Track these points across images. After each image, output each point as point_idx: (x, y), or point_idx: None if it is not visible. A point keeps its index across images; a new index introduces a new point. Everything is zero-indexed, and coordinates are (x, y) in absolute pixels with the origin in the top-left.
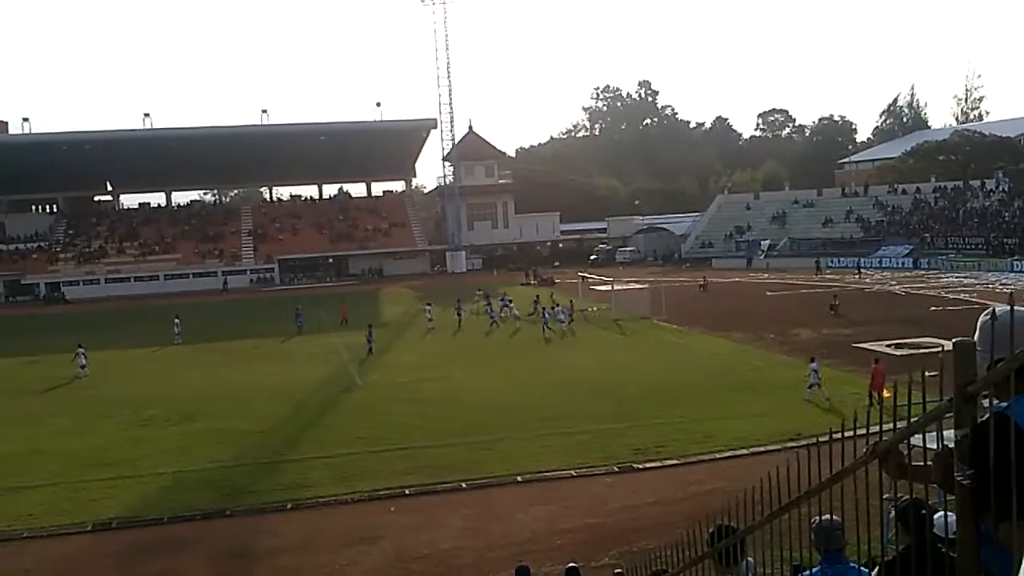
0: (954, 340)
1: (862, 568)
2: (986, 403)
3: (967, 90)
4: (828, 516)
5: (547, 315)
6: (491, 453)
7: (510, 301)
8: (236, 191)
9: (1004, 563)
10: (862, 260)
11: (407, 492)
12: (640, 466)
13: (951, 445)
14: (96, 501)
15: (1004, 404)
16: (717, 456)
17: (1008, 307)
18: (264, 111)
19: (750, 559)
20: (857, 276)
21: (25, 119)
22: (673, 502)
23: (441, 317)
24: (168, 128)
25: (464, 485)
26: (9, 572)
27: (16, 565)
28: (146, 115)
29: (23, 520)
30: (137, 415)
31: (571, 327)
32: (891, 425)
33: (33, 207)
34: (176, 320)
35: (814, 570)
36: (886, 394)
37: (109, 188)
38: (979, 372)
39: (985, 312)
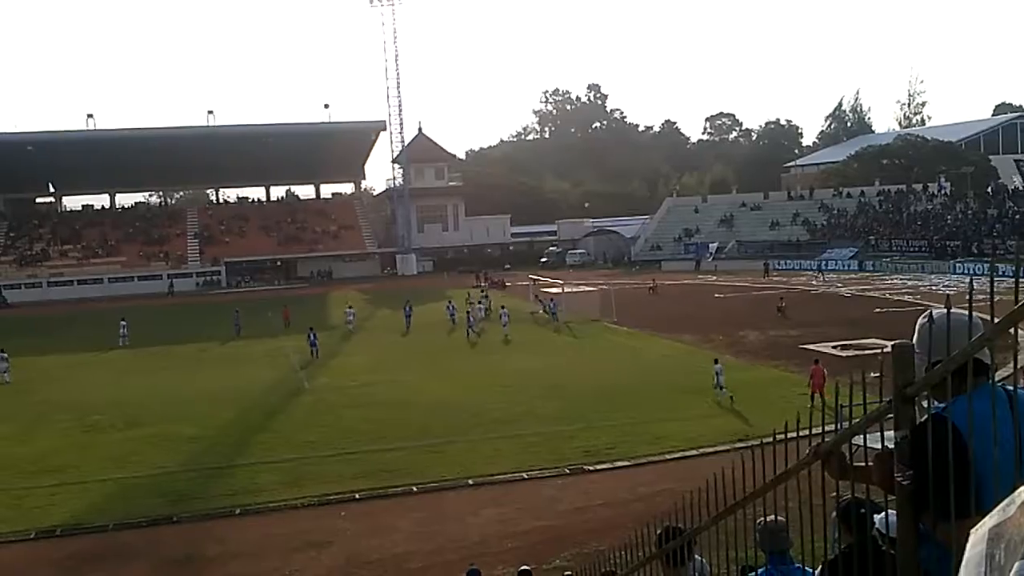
0: (893, 343)
1: (807, 568)
2: (925, 404)
3: (910, 95)
4: (773, 517)
5: (471, 318)
6: (442, 456)
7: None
8: (182, 193)
9: (943, 562)
10: (822, 263)
11: (357, 496)
12: (591, 468)
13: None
14: (39, 508)
15: (942, 405)
16: (667, 457)
17: (945, 309)
18: (210, 112)
19: (698, 558)
20: (820, 277)
21: None
22: (623, 503)
23: (390, 319)
24: (112, 129)
25: (415, 489)
26: None
27: None
28: (89, 116)
29: None
30: (81, 420)
31: (507, 329)
32: (834, 426)
33: None
34: (122, 322)
35: (760, 571)
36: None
37: (51, 189)
38: (918, 374)
39: (923, 315)
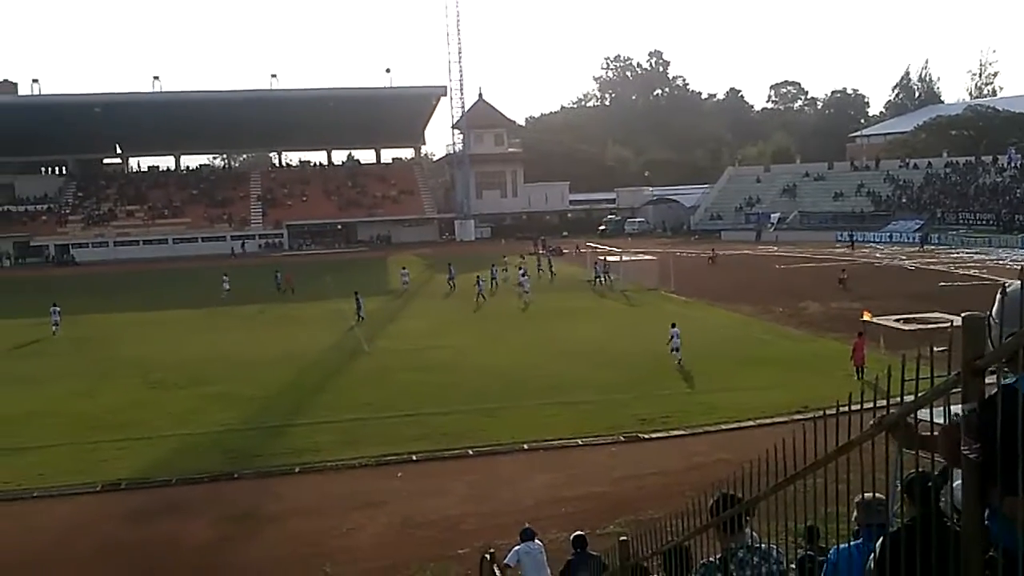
0: (963, 314)
1: None
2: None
3: (981, 65)
4: (871, 492)
5: (480, 283)
6: (497, 421)
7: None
8: (245, 156)
9: (1008, 536)
10: (855, 234)
11: (414, 458)
12: (645, 436)
13: (959, 419)
14: (105, 462)
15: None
16: (722, 427)
17: (1020, 282)
18: (274, 76)
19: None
20: (851, 249)
21: (35, 80)
22: (677, 472)
23: (447, 285)
24: (178, 91)
25: (470, 452)
26: (19, 530)
27: (25, 523)
28: (155, 78)
29: (33, 479)
30: (145, 378)
31: (529, 297)
32: (899, 398)
33: (42, 169)
34: (224, 277)
35: (853, 544)
36: (866, 316)
37: (118, 151)
38: (995, 346)
39: (1002, 286)
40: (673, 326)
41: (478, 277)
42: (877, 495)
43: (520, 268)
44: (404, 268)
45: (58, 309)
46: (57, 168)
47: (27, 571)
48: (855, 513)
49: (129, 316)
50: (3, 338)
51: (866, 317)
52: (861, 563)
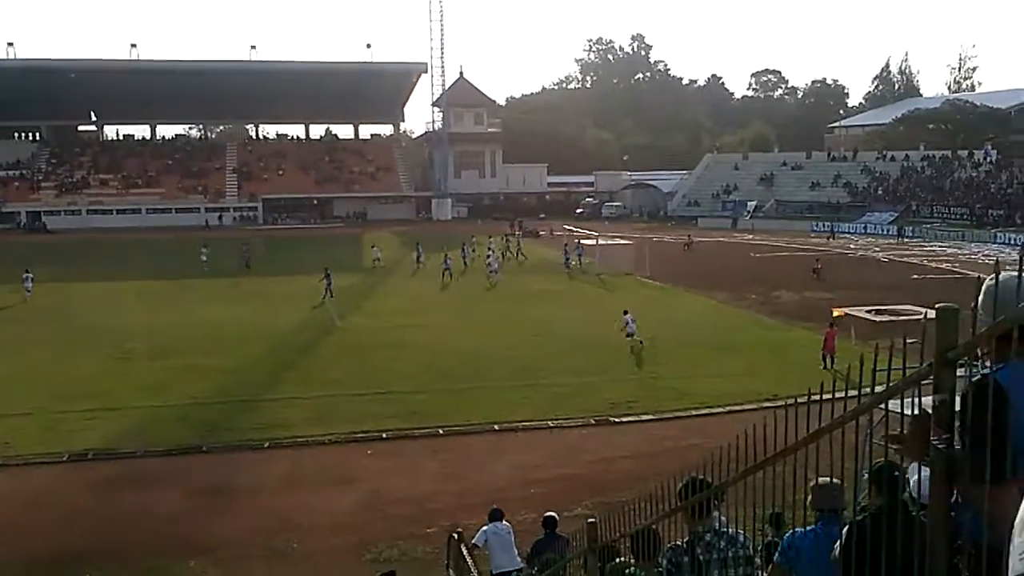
0: (937, 305)
1: None
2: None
3: (961, 59)
4: (828, 477)
5: (448, 262)
6: (469, 401)
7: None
8: (222, 127)
9: (974, 525)
10: (836, 225)
11: (384, 436)
12: (616, 420)
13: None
14: (73, 432)
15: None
16: (693, 413)
17: (1013, 273)
18: (253, 47)
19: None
20: (831, 240)
21: (10, 44)
22: (647, 456)
23: (427, 264)
24: (155, 60)
25: (441, 432)
26: None
27: None
28: (133, 45)
29: None
30: (116, 348)
31: (496, 278)
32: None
33: (16, 134)
34: (204, 249)
35: (808, 528)
36: (836, 312)
37: (93, 118)
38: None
39: (990, 276)
40: (625, 313)
41: (445, 256)
42: (833, 480)
43: (488, 249)
44: (375, 246)
45: (31, 276)
46: (31, 134)
47: None
48: (810, 497)
49: (101, 286)
50: None
51: (836, 313)
52: (816, 546)
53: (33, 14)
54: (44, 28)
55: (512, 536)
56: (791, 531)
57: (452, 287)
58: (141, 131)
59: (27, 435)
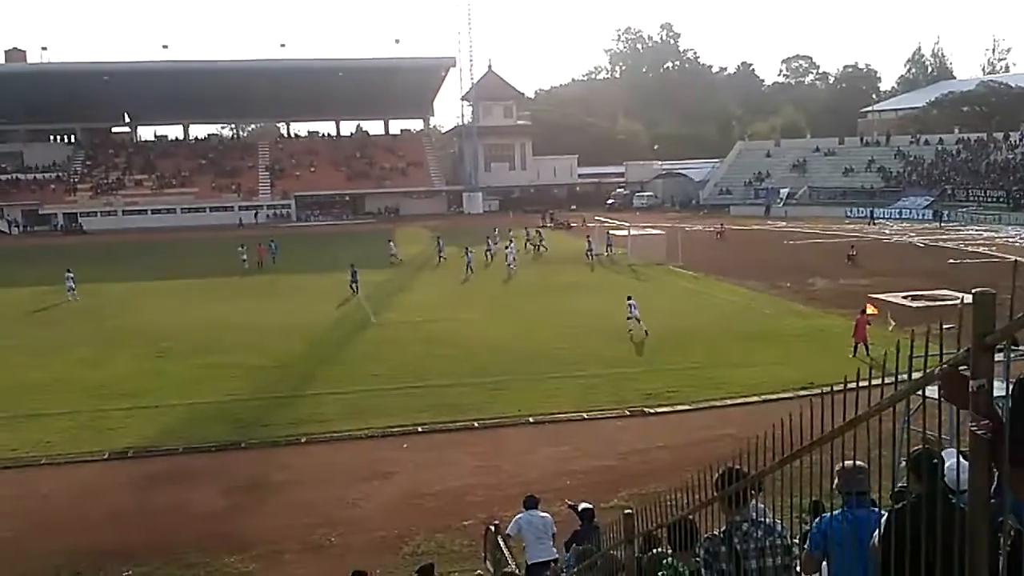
0: (974, 289)
1: (884, 513)
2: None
3: (995, 40)
4: (852, 461)
5: (469, 255)
6: (503, 394)
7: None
8: (253, 126)
9: (1014, 512)
10: (876, 210)
11: (419, 430)
12: (651, 411)
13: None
14: (113, 430)
15: None
16: (728, 403)
17: None
18: (283, 45)
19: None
20: (870, 225)
21: (44, 48)
22: (683, 447)
23: (455, 258)
24: (186, 60)
25: (476, 424)
26: (27, 497)
27: (34, 490)
28: (164, 47)
29: (42, 447)
30: (153, 346)
31: (513, 269)
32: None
33: (51, 137)
34: (241, 248)
35: (835, 513)
36: (870, 310)
37: (127, 120)
38: None
39: None
40: (629, 298)
41: (466, 249)
42: (858, 463)
43: (509, 242)
44: (391, 241)
45: (72, 275)
46: (66, 136)
47: (39, 537)
48: (836, 481)
49: (137, 285)
50: (15, 306)
51: (869, 310)
52: (844, 530)
53: (66, 18)
54: (77, 32)
55: (549, 525)
56: (818, 519)
57: (480, 280)
58: (174, 131)
59: (68, 434)
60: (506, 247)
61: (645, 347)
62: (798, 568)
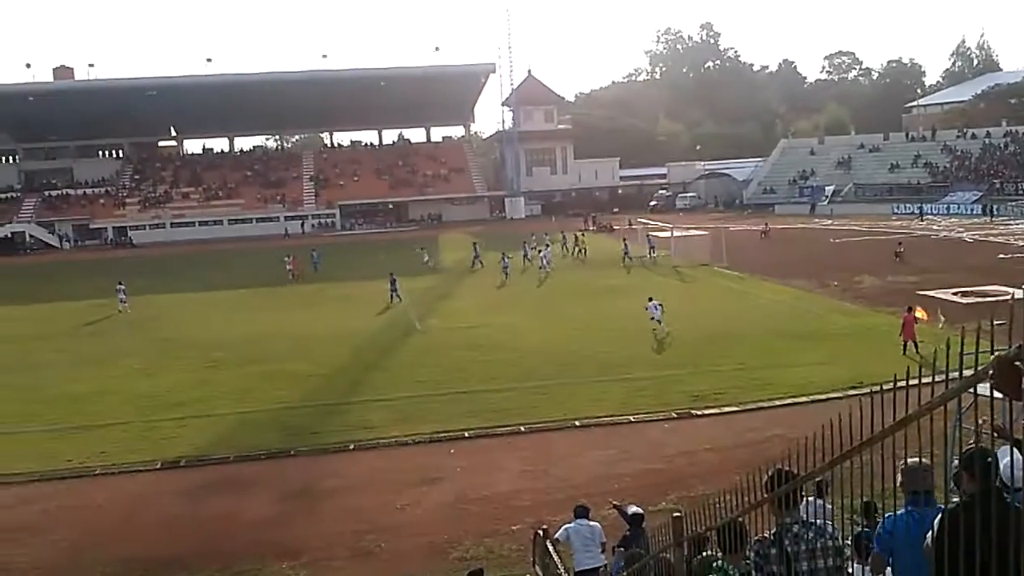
0: None
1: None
2: None
3: None
4: (918, 458)
5: (506, 260)
6: (549, 398)
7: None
8: (297, 136)
9: None
10: (925, 206)
11: (467, 435)
12: (698, 412)
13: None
14: (165, 440)
15: None
16: (776, 404)
17: None
18: (324, 56)
19: (810, 499)
20: (920, 221)
21: (91, 65)
22: (731, 448)
23: (498, 263)
24: (230, 73)
25: (523, 429)
26: (82, 507)
27: (89, 500)
28: (208, 60)
29: (96, 457)
30: (203, 356)
31: (545, 272)
32: (958, 373)
33: (99, 152)
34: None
35: (899, 512)
36: (920, 314)
37: (173, 133)
38: None
39: None
40: (651, 299)
41: (503, 255)
42: (923, 461)
43: (546, 245)
44: (423, 248)
45: (123, 287)
46: (114, 151)
47: (94, 546)
48: (900, 479)
49: (186, 296)
50: (68, 319)
51: (919, 314)
52: (909, 529)
53: (111, 35)
54: (122, 48)
55: (598, 534)
56: (884, 518)
57: (519, 286)
58: (219, 144)
59: (122, 444)
60: (540, 251)
61: (691, 349)
62: (850, 570)
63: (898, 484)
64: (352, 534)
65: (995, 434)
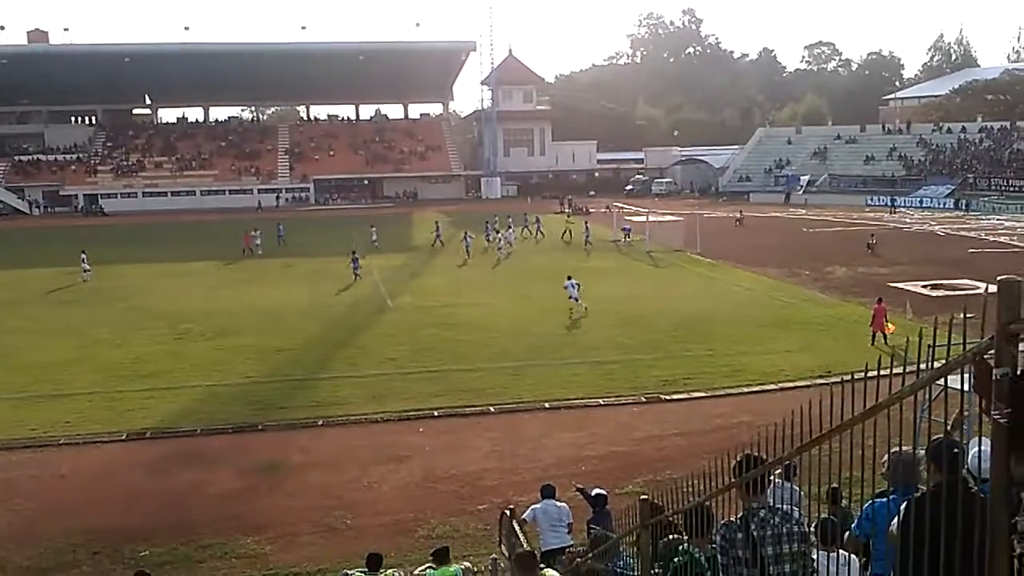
0: (999, 277)
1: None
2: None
3: (1020, 29)
4: (910, 449)
5: (468, 240)
6: (519, 379)
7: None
8: (273, 109)
9: None
10: (897, 199)
11: (436, 414)
12: (667, 397)
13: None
14: (131, 411)
15: None
16: (745, 390)
17: None
18: (303, 28)
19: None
20: (891, 213)
21: (66, 29)
22: (699, 434)
23: (473, 243)
24: (207, 42)
25: (492, 409)
26: (45, 477)
27: (52, 470)
28: (186, 28)
29: (60, 427)
30: (173, 328)
31: (504, 254)
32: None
33: (72, 118)
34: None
35: (881, 500)
36: (890, 329)
37: (147, 101)
38: None
39: None
40: (569, 278)
41: (465, 234)
42: (917, 452)
43: (508, 227)
44: (373, 226)
45: (85, 256)
46: (87, 118)
47: (57, 517)
48: (889, 469)
49: (157, 267)
50: (34, 286)
51: (889, 329)
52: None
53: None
54: (99, 13)
55: (565, 514)
56: (871, 501)
57: (490, 266)
58: (194, 114)
59: (87, 414)
60: (501, 233)
61: (662, 334)
62: (814, 555)
63: (883, 472)
64: (319, 510)
65: (960, 425)
